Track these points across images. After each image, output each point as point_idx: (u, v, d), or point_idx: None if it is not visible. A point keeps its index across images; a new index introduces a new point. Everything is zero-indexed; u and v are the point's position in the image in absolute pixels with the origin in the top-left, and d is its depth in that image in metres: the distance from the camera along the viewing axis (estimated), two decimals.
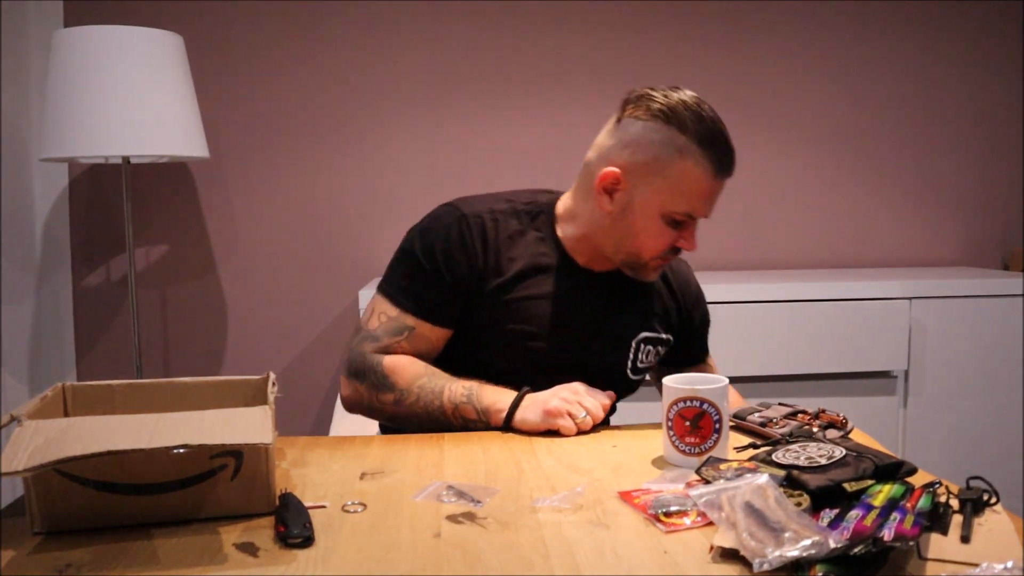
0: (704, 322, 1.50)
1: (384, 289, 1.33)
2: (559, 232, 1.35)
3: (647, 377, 1.48)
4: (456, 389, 1.25)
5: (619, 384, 1.37)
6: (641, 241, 1.27)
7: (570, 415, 1.20)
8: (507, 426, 1.23)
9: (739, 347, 2.24)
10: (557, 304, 1.32)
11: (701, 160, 1.21)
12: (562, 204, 1.37)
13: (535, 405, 1.22)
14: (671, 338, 1.43)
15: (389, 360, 1.28)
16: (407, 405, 1.26)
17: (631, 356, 1.38)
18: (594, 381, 1.31)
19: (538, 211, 1.36)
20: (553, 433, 1.22)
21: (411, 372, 1.27)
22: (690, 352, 1.49)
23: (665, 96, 1.22)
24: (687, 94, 1.23)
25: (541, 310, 1.31)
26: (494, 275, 1.30)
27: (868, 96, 2.74)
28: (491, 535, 0.86)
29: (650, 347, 1.40)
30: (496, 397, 1.24)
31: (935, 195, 2.80)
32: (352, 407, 1.32)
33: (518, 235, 1.33)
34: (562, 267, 1.34)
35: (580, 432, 1.22)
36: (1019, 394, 2.37)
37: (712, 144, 1.21)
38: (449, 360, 1.34)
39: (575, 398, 1.21)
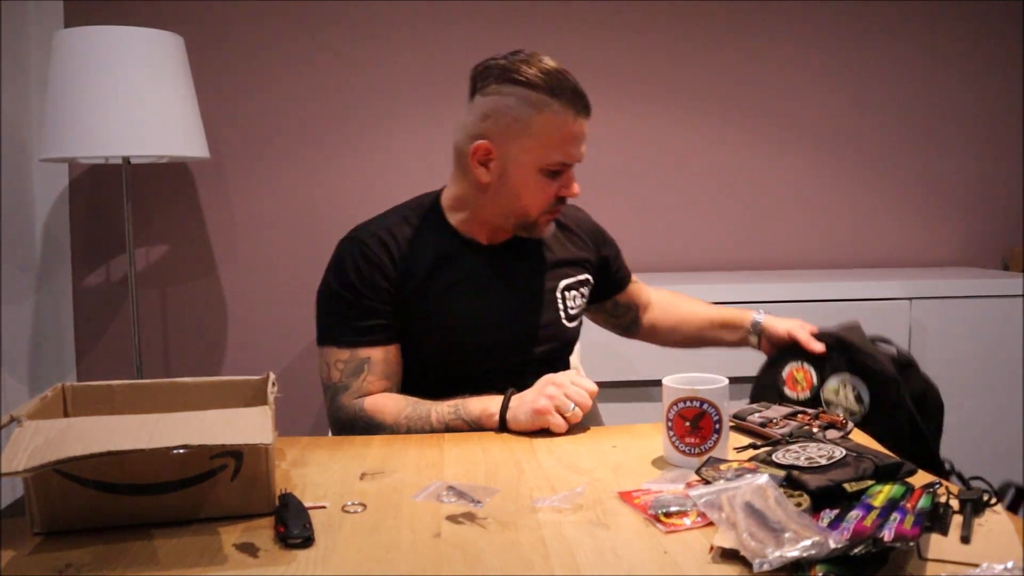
0: (616, 252, 1.58)
1: (326, 340, 1.35)
2: (452, 222, 1.40)
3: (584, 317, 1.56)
4: (442, 409, 1.27)
5: (560, 336, 1.43)
6: (526, 200, 1.33)
7: (559, 411, 1.20)
8: (501, 428, 1.24)
9: (740, 347, 2.24)
10: (476, 286, 1.37)
11: (558, 108, 1.27)
12: (446, 195, 1.42)
13: (524, 405, 1.23)
14: (590, 278, 1.50)
15: (369, 403, 1.30)
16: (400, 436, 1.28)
17: (561, 306, 1.43)
18: (536, 341, 1.37)
19: (426, 211, 1.41)
20: (552, 432, 1.22)
21: (394, 407, 1.29)
22: (614, 283, 1.59)
23: (507, 61, 1.29)
24: (527, 54, 1.29)
25: (463, 297, 1.36)
26: (408, 280, 1.34)
27: (868, 96, 2.74)
28: (491, 535, 0.86)
29: (574, 291, 1.46)
30: (484, 405, 1.26)
31: (935, 195, 2.80)
32: None
33: (415, 238, 1.37)
34: (467, 251, 1.39)
35: (572, 430, 1.22)
36: (1019, 394, 2.37)
37: (563, 91, 1.27)
38: (404, 381, 1.37)
39: (559, 392, 1.21)
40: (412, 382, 1.37)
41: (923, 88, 2.76)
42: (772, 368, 1.42)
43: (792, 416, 1.22)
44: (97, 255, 2.49)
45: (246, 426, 0.87)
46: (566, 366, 1.49)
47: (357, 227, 1.40)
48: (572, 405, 1.21)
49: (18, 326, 2.33)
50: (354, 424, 1.30)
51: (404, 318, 1.35)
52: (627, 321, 1.64)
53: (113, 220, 2.48)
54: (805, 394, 1.35)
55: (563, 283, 1.44)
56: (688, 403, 1.06)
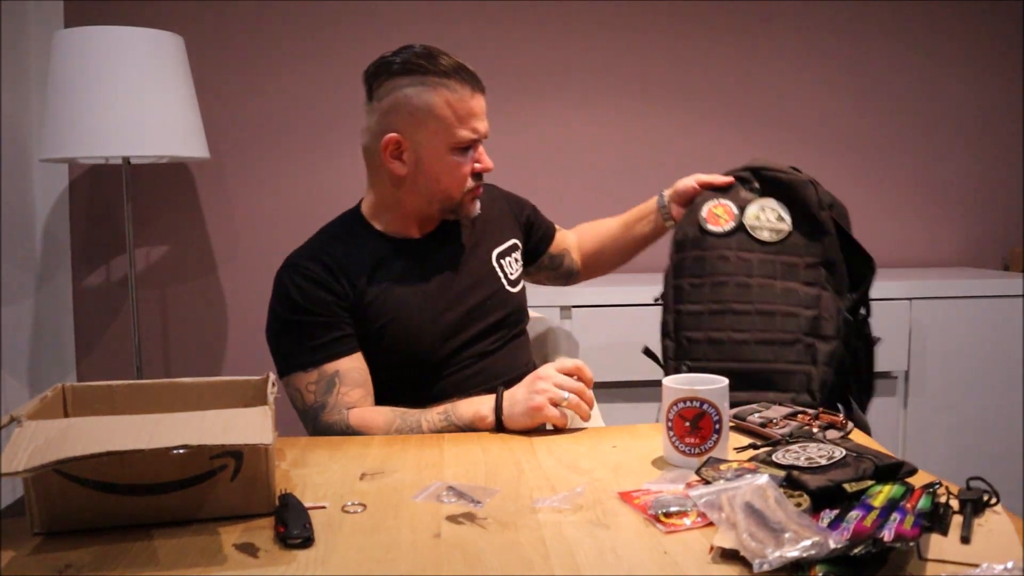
0: (532, 208, 1.63)
1: (288, 369, 1.34)
2: (378, 228, 1.42)
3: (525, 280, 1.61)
4: (432, 417, 1.27)
5: (507, 302, 1.46)
6: (445, 182, 1.36)
7: (554, 403, 1.21)
8: (498, 429, 1.24)
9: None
10: (414, 279, 1.39)
11: (454, 87, 1.31)
12: (366, 205, 1.44)
13: (518, 405, 1.23)
14: (517, 242, 1.55)
15: (356, 418, 1.29)
16: None
17: (500, 274, 1.47)
18: (486, 312, 1.41)
19: (351, 225, 1.43)
20: (553, 432, 1.22)
21: (383, 421, 1.28)
22: (542, 238, 1.64)
23: (396, 56, 1.33)
24: (414, 47, 1.33)
25: (406, 293, 1.37)
26: (351, 291, 1.35)
27: (868, 96, 2.74)
28: (491, 535, 0.86)
29: (508, 257, 1.51)
30: (475, 408, 1.26)
31: (935, 195, 2.80)
32: None
33: (348, 250, 1.38)
34: (398, 251, 1.41)
35: (572, 429, 1.22)
36: (1019, 394, 2.37)
37: (455, 70, 1.32)
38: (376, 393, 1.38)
39: (548, 384, 1.22)
40: (380, 388, 1.37)
41: (923, 88, 2.76)
42: (691, 214, 1.44)
43: (792, 416, 1.22)
44: (97, 255, 2.49)
45: (246, 426, 0.87)
46: (522, 332, 1.52)
47: (288, 257, 1.39)
48: (566, 394, 1.21)
49: (18, 326, 2.33)
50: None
51: (360, 326, 1.35)
52: (567, 269, 1.68)
53: (113, 220, 2.48)
54: (729, 224, 1.37)
55: (495, 252, 1.49)
56: (688, 403, 1.06)
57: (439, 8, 2.54)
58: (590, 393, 1.25)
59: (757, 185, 1.41)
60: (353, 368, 1.33)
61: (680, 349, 1.36)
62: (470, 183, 1.38)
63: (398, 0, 2.52)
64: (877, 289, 2.29)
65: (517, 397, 1.23)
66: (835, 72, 2.72)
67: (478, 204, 1.43)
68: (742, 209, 1.39)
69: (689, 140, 2.67)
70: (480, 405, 1.26)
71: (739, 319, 1.31)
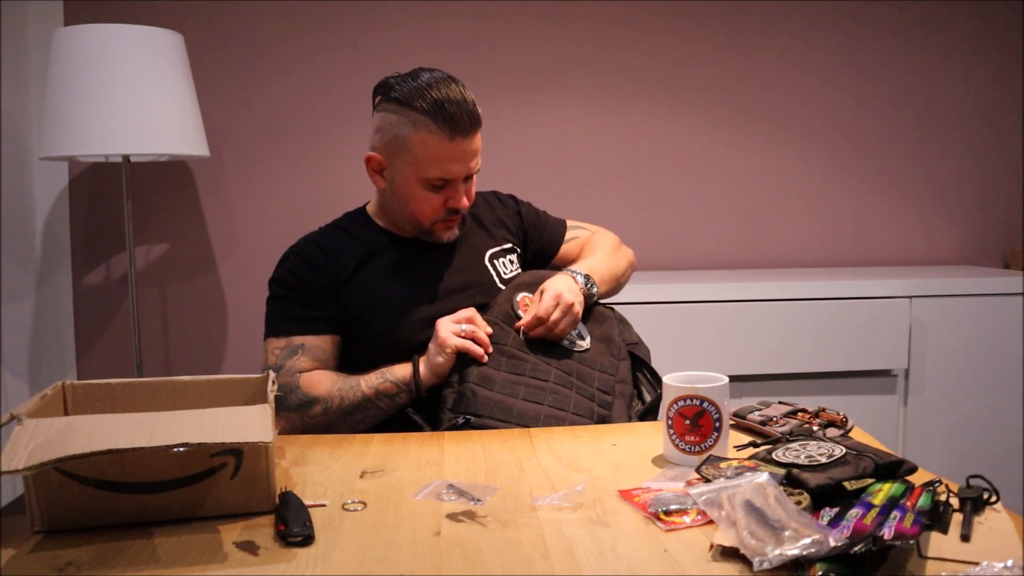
0: (534, 210, 1.66)
1: (266, 334, 1.44)
2: (379, 223, 1.51)
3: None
4: (370, 377, 1.36)
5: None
6: (413, 208, 1.43)
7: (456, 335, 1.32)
8: (420, 387, 1.34)
9: (740, 346, 2.25)
10: (405, 269, 1.46)
11: (434, 128, 1.35)
12: (371, 205, 1.55)
13: (429, 352, 1.34)
14: (513, 245, 1.59)
15: (304, 378, 1.36)
16: (335, 408, 1.34)
17: (492, 271, 1.52)
18: (481, 310, 1.44)
19: (355, 219, 1.53)
20: (553, 431, 1.22)
21: (327, 380, 1.37)
22: (549, 237, 1.64)
23: (398, 82, 1.39)
24: (420, 74, 1.38)
25: (396, 281, 1.44)
26: (340, 273, 1.43)
27: (868, 95, 2.74)
28: (491, 533, 0.86)
29: (504, 258, 1.55)
30: (407, 367, 1.37)
31: (935, 194, 2.80)
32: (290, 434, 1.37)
33: (347, 239, 1.48)
34: (394, 244, 1.48)
35: (572, 429, 1.22)
36: (1019, 393, 2.37)
37: (440, 112, 1.34)
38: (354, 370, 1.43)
39: (446, 324, 1.34)
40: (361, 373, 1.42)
41: (923, 86, 2.76)
42: (506, 293, 1.48)
43: (792, 414, 1.22)
44: (97, 253, 2.49)
45: (246, 424, 0.87)
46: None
47: (299, 239, 1.50)
48: (463, 326, 1.33)
49: (18, 325, 2.33)
50: (287, 399, 1.35)
51: (343, 310, 1.42)
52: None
53: (113, 218, 2.48)
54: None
55: (488, 253, 1.53)
56: (688, 401, 1.06)
57: (439, 7, 2.54)
58: (480, 321, 1.36)
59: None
60: (318, 346, 1.40)
61: (462, 400, 1.30)
62: (442, 214, 1.43)
63: (398, 0, 2.52)
64: (877, 287, 2.31)
65: (428, 347, 1.35)
66: (835, 71, 2.72)
67: (455, 232, 1.48)
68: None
69: (690, 139, 2.67)
70: (410, 366, 1.36)
71: (533, 392, 1.32)
